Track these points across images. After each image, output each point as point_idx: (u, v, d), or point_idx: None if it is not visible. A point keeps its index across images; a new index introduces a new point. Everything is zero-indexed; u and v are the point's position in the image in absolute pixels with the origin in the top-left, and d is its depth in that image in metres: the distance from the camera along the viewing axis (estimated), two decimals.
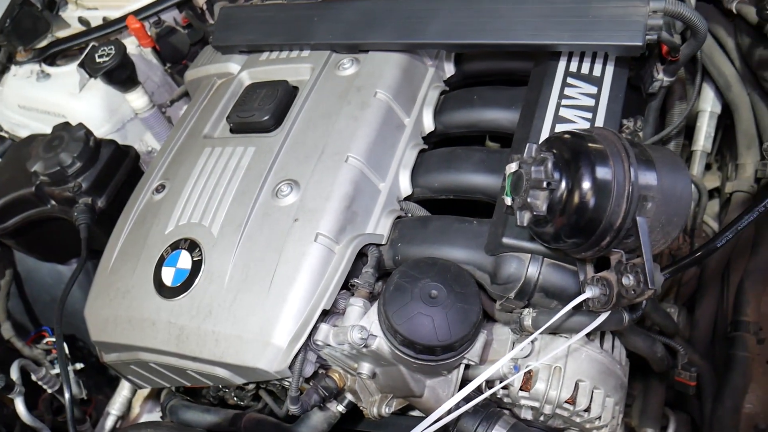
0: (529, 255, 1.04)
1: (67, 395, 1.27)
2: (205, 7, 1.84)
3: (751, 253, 1.49)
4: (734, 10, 1.46)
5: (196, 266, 1.16)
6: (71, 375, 1.55)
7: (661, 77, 1.30)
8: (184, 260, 1.18)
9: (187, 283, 1.16)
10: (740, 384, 1.35)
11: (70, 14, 1.96)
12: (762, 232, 1.49)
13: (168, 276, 1.18)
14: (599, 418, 1.12)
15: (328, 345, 1.06)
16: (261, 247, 1.14)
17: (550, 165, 0.86)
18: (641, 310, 1.06)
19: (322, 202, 1.15)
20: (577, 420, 1.12)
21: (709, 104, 1.66)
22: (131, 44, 1.79)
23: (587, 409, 1.11)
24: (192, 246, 1.19)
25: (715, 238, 1.06)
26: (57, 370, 1.60)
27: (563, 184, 0.86)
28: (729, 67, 1.55)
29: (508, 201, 0.92)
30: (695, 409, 1.53)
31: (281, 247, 1.12)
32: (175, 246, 1.21)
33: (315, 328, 1.06)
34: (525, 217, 0.89)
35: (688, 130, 1.72)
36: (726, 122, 1.74)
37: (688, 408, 1.56)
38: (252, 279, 1.11)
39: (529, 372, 1.11)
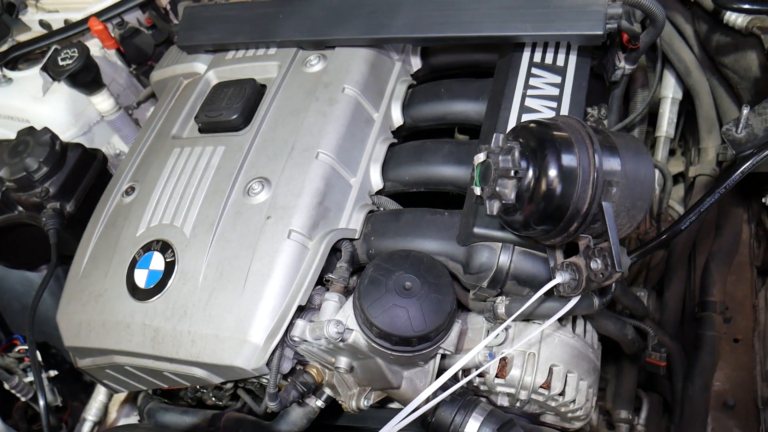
0: (500, 244, 1.06)
1: (42, 403, 1.25)
2: (168, 7, 1.83)
3: (715, 235, 1.53)
4: None
5: (169, 267, 1.16)
6: (45, 382, 1.53)
7: (623, 65, 1.32)
8: (157, 261, 1.18)
9: (160, 284, 1.15)
10: (709, 362, 1.39)
11: (31, 17, 1.93)
12: (725, 214, 1.53)
13: (141, 278, 1.17)
14: (574, 401, 1.14)
15: (305, 340, 1.06)
16: (234, 245, 1.13)
17: (516, 154, 0.87)
18: (611, 293, 1.09)
19: (293, 198, 1.15)
20: (553, 404, 1.15)
21: (670, 91, 1.69)
22: (94, 46, 1.76)
23: (562, 393, 1.13)
24: (164, 247, 1.18)
25: (679, 220, 1.08)
26: (30, 378, 1.58)
27: (530, 172, 0.87)
28: (688, 53, 1.58)
29: (478, 191, 0.94)
30: (666, 389, 1.57)
31: (255, 245, 1.12)
32: (147, 248, 1.20)
33: (291, 324, 1.07)
34: (494, 206, 0.90)
35: (651, 116, 1.76)
36: (687, 108, 1.78)
37: (660, 388, 1.60)
38: (226, 277, 1.11)
39: (504, 359, 1.13)
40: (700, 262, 1.59)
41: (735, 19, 1.34)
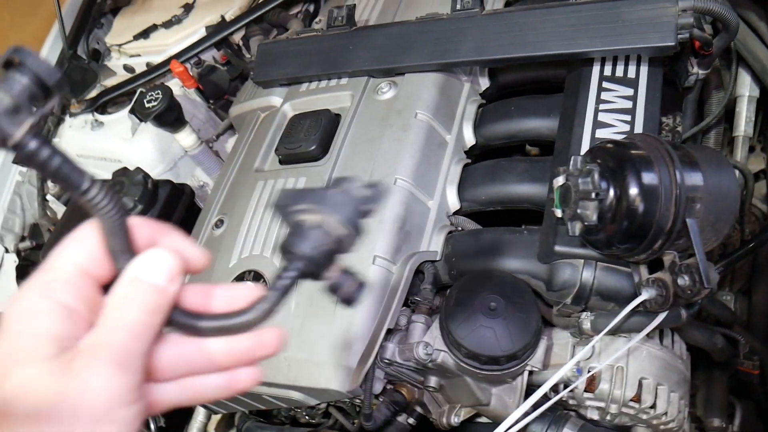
0: (582, 261, 1.07)
1: (152, 426, 1.34)
2: (241, 44, 1.92)
3: None
4: None
5: None
6: None
7: (696, 71, 1.31)
8: None
9: None
10: None
11: (115, 63, 2.06)
12: None
13: None
14: (666, 413, 1.14)
15: (395, 362, 1.11)
16: None
17: (596, 176, 0.89)
18: (698, 305, 1.08)
19: (376, 225, 1.19)
20: (644, 417, 1.15)
21: (746, 89, 1.65)
22: (175, 86, 1.87)
23: (653, 406, 1.13)
24: (256, 277, 1.25)
25: (766, 227, 1.07)
26: None
27: (611, 193, 0.89)
28: (764, 50, 1.54)
29: (558, 213, 0.96)
30: (760, 395, 1.53)
31: None
32: (240, 278, 1.27)
33: (381, 347, 1.11)
34: (576, 227, 0.92)
35: (728, 115, 1.72)
36: (765, 105, 1.73)
37: (753, 395, 1.56)
38: (317, 305, 1.16)
39: (592, 374, 1.14)
40: None
41: None
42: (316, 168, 1.34)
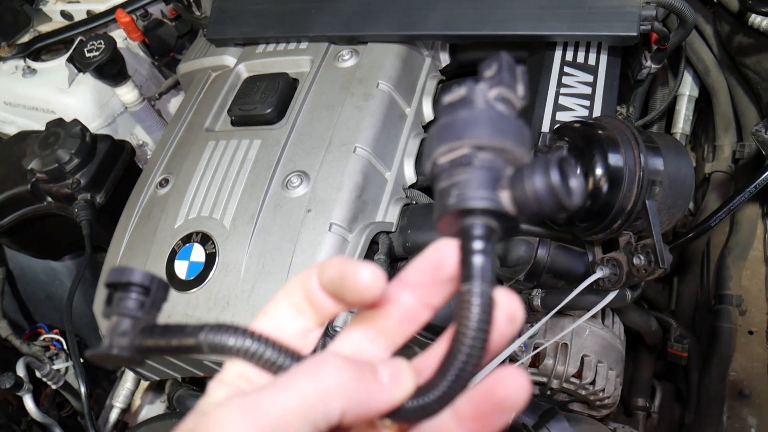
0: (538, 238, 1.10)
1: (83, 390, 1.28)
2: None
3: (731, 231, 1.57)
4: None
5: (210, 259, 1.18)
6: (74, 371, 1.55)
7: (650, 65, 1.36)
8: (197, 253, 1.20)
9: (201, 275, 1.17)
10: (726, 354, 1.44)
11: (51, 7, 1.92)
12: (740, 211, 1.57)
13: (181, 269, 1.20)
14: (603, 389, 1.18)
15: None
16: (275, 238, 1.16)
17: (565, 153, 0.90)
18: (641, 287, 1.13)
19: (333, 192, 1.17)
20: (583, 393, 1.19)
21: (687, 88, 1.73)
22: (118, 37, 1.77)
23: (593, 382, 1.17)
24: (204, 239, 1.21)
25: (710, 217, 1.12)
26: (57, 366, 1.60)
27: (578, 171, 0.90)
28: (708, 52, 1.62)
29: None
30: (680, 379, 1.62)
31: (296, 238, 1.14)
32: (187, 239, 1.22)
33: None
34: None
35: (667, 112, 1.79)
36: (700, 105, 1.82)
37: (674, 378, 1.65)
38: (269, 269, 1.13)
39: (539, 350, 1.17)
40: (714, 256, 1.63)
41: (760, 21, 1.38)
42: (272, 131, 1.30)
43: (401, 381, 0.42)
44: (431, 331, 1.05)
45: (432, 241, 1.18)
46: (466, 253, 0.40)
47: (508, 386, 0.41)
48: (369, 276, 0.41)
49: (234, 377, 0.44)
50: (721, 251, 1.59)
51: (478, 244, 0.39)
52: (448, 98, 0.41)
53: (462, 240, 0.40)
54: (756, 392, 1.45)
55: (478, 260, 0.39)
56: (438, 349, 0.47)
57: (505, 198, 0.39)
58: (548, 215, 0.39)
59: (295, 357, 0.42)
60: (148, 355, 0.42)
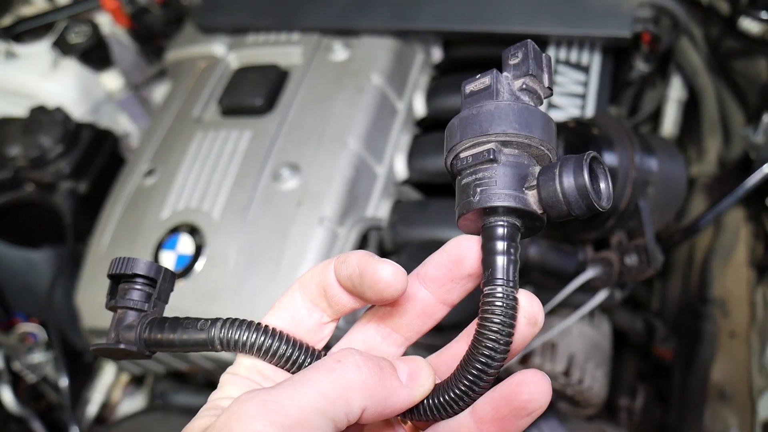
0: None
1: (66, 383, 1.25)
2: None
3: (715, 234, 1.58)
4: (704, 3, 1.54)
5: (198, 251, 1.16)
6: (52, 362, 1.52)
7: (641, 67, 1.36)
8: (185, 245, 1.18)
9: (188, 267, 1.15)
10: (708, 355, 1.45)
11: None
12: (725, 214, 1.59)
13: (168, 260, 1.17)
14: (591, 388, 1.19)
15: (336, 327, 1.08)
16: (265, 231, 1.14)
17: (561, 151, 0.90)
18: (629, 287, 1.13)
19: (324, 186, 1.16)
20: (570, 391, 1.19)
21: (676, 92, 1.74)
22: (103, 23, 1.73)
23: (580, 381, 1.17)
24: (192, 231, 1.19)
25: (698, 220, 1.13)
26: (37, 359, 1.57)
27: None
28: (695, 56, 1.63)
29: None
30: (662, 379, 1.63)
31: (286, 231, 1.13)
32: (174, 230, 1.20)
33: None
34: None
35: (654, 115, 1.80)
36: (688, 108, 1.83)
37: (655, 379, 1.66)
38: (258, 263, 1.12)
39: (529, 350, 1.17)
40: (698, 258, 1.64)
41: (750, 26, 1.39)
42: (263, 123, 1.28)
43: (420, 379, 0.41)
44: (436, 330, 1.04)
45: (423, 237, 1.17)
46: (489, 254, 0.39)
47: (531, 390, 0.40)
48: (390, 275, 0.40)
49: (247, 370, 0.43)
50: (705, 254, 1.60)
51: (502, 245, 0.38)
52: (470, 87, 0.40)
53: (485, 239, 0.40)
54: (737, 394, 1.46)
55: (502, 261, 0.38)
56: (455, 347, 0.47)
57: (532, 197, 0.38)
58: (576, 216, 0.38)
59: (312, 353, 0.41)
60: (156, 350, 0.41)
